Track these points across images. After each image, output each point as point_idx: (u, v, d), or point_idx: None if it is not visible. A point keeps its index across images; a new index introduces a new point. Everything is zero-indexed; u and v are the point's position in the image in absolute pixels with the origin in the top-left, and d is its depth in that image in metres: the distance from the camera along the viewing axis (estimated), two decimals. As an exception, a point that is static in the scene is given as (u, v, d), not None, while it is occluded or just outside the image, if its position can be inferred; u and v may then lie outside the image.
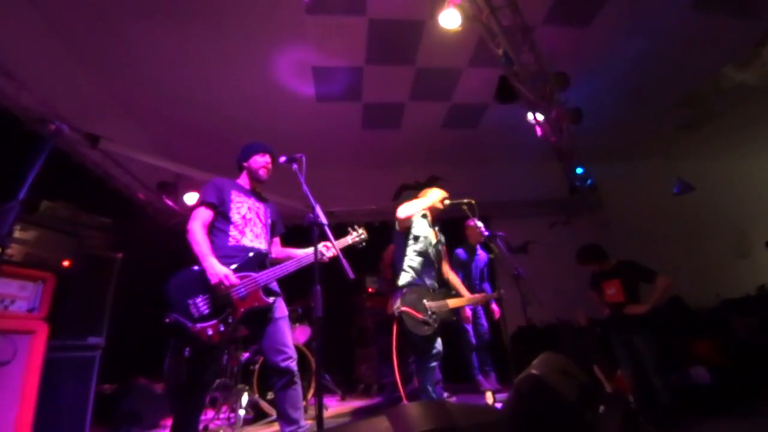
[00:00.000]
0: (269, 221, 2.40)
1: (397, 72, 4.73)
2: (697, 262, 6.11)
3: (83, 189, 4.07)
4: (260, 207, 2.37)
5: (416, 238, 2.94)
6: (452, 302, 2.90)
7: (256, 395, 3.49)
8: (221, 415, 3.59)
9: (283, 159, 2.33)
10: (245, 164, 2.42)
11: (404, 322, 2.68)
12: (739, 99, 5.48)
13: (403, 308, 2.70)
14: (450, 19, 3.51)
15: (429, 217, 3.09)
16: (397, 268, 2.95)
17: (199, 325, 1.89)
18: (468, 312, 3.39)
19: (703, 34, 4.42)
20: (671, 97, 5.52)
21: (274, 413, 3.44)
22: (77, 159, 4.19)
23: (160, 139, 5.34)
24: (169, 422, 3.33)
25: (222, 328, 1.93)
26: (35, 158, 2.05)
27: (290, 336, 2.14)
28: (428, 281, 2.90)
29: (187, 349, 3.30)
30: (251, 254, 2.12)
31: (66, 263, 2.41)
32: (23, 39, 3.51)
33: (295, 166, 2.21)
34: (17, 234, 2.19)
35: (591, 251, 3.42)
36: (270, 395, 3.54)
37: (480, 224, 4.05)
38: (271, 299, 2.08)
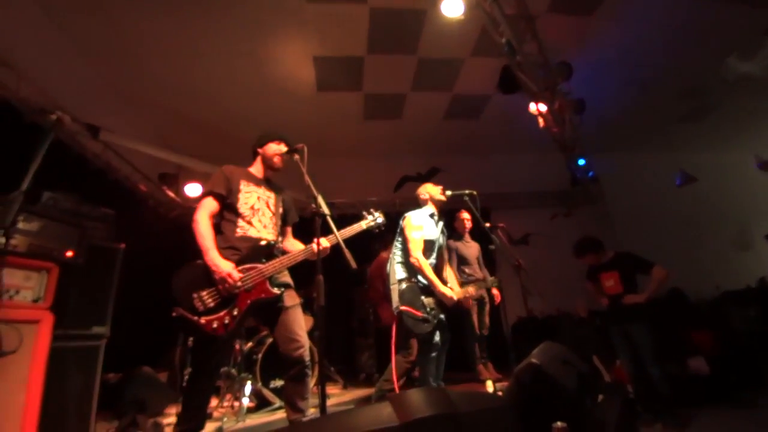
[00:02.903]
0: (281, 210, 2.36)
1: (399, 62, 4.70)
2: (697, 254, 6.12)
3: (84, 180, 4.06)
4: (271, 196, 2.35)
5: (425, 242, 2.89)
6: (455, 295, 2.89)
7: (259, 384, 3.53)
8: (225, 404, 3.64)
9: (281, 145, 2.33)
10: (260, 150, 2.39)
11: (404, 321, 2.68)
12: (742, 90, 5.43)
13: (403, 307, 2.69)
14: (452, 8, 3.47)
15: (436, 214, 3.05)
16: (393, 263, 2.94)
17: (204, 319, 1.90)
18: (470, 300, 3.40)
19: (707, 24, 4.37)
20: (674, 88, 5.48)
21: (277, 401, 3.49)
22: (78, 150, 4.18)
23: (161, 130, 5.33)
24: (173, 410, 3.40)
25: (227, 321, 1.93)
26: (36, 149, 2.05)
27: (303, 324, 2.14)
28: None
29: (191, 339, 3.34)
30: (257, 245, 2.12)
31: (69, 254, 2.42)
32: (22, 29, 3.48)
33: (296, 156, 2.20)
34: (21, 225, 2.19)
35: (587, 244, 3.41)
36: (273, 384, 3.58)
37: (466, 215, 4.18)
38: (278, 290, 2.08)
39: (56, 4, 3.52)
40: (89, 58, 4.15)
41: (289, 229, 2.47)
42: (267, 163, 2.38)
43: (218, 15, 3.82)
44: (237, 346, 3.77)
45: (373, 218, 2.45)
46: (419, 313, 2.69)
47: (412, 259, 2.80)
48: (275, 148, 2.36)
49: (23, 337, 2.06)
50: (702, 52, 4.82)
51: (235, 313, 1.96)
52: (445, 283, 2.95)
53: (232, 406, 3.52)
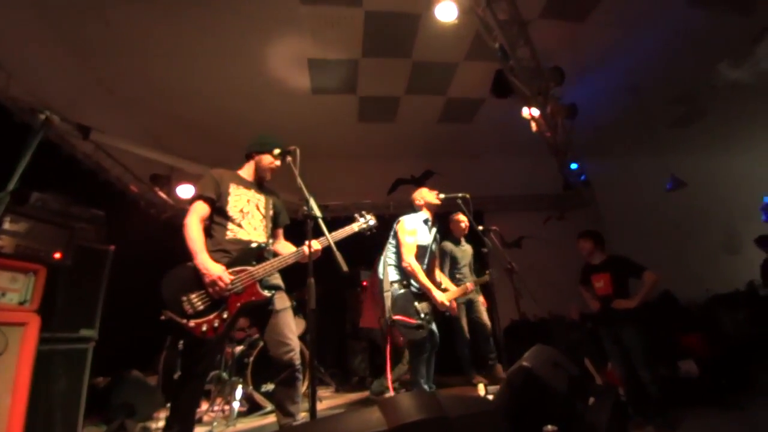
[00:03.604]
0: (271, 212, 2.35)
1: (393, 65, 4.71)
2: (687, 258, 6.19)
3: (74, 181, 4.02)
4: (261, 198, 2.34)
5: (417, 248, 2.90)
6: (446, 297, 2.90)
7: (250, 388, 3.50)
8: (215, 408, 3.60)
9: (276, 152, 2.32)
10: (256, 156, 2.37)
11: (399, 330, 2.68)
12: (731, 96, 5.52)
13: (396, 317, 2.68)
14: (446, 12, 3.49)
15: (430, 220, 3.07)
16: (385, 265, 2.94)
17: (193, 322, 1.87)
18: (454, 304, 3.39)
19: (698, 32, 4.44)
20: (665, 93, 5.55)
21: (268, 406, 3.46)
22: (68, 150, 4.13)
23: (154, 131, 5.29)
24: (162, 414, 3.35)
25: (216, 324, 1.91)
26: (25, 149, 2.03)
27: (293, 327, 2.13)
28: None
29: (181, 341, 3.31)
30: (248, 248, 2.11)
31: (57, 255, 2.38)
32: (12, 29, 3.44)
33: (289, 158, 2.20)
34: (7, 226, 2.16)
35: (592, 231, 3.48)
36: (264, 388, 3.55)
37: (464, 219, 4.15)
38: (268, 293, 2.06)
39: (46, 2, 3.48)
40: (80, 57, 4.10)
41: (280, 232, 2.46)
42: (258, 172, 2.37)
43: (212, 16, 3.81)
44: (229, 350, 3.74)
45: (365, 221, 2.45)
46: (413, 321, 2.69)
47: (404, 264, 2.81)
48: (271, 161, 2.34)
49: (9, 340, 2.02)
50: (692, 59, 4.90)
51: (225, 316, 1.94)
52: (438, 286, 2.95)
53: (223, 411, 3.49)
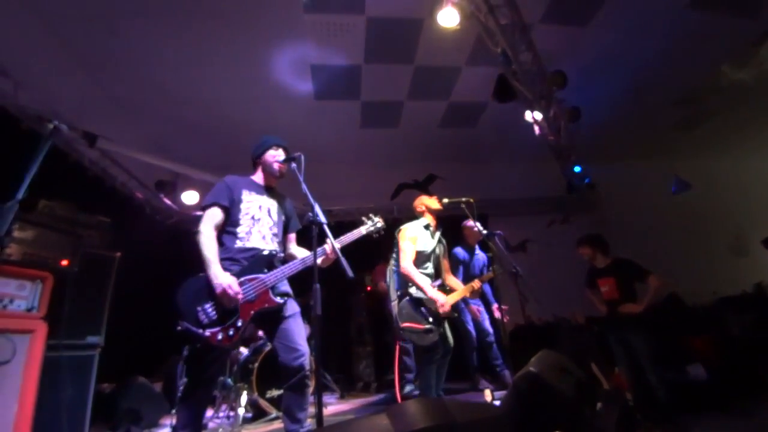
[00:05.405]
0: (283, 218, 2.38)
1: (396, 70, 4.73)
2: (694, 260, 6.14)
3: (81, 188, 4.06)
4: (273, 204, 2.35)
5: (418, 254, 2.94)
6: (449, 299, 2.90)
7: (256, 394, 3.49)
8: (221, 414, 3.59)
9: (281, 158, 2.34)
10: (259, 160, 2.40)
11: (409, 338, 2.69)
12: (736, 98, 5.50)
13: (404, 324, 2.69)
14: (448, 18, 3.51)
15: (432, 226, 3.09)
16: (391, 273, 2.97)
17: (208, 331, 1.90)
18: (474, 307, 3.39)
19: (700, 33, 4.43)
20: (669, 96, 5.54)
21: (273, 412, 3.45)
22: (75, 158, 4.18)
23: (159, 137, 5.33)
24: (168, 421, 3.35)
25: (231, 332, 1.93)
26: (33, 157, 2.05)
27: (303, 333, 2.13)
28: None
29: (188, 347, 3.31)
30: (258, 255, 2.12)
31: (64, 262, 2.40)
32: (20, 38, 3.49)
33: (293, 164, 2.21)
34: (16, 233, 2.19)
35: (592, 236, 3.44)
36: (269, 394, 3.55)
37: (478, 224, 4.09)
38: (280, 299, 2.08)
39: (54, 12, 3.53)
40: (87, 66, 4.15)
41: (293, 237, 2.47)
42: (267, 171, 2.39)
43: (216, 23, 3.84)
44: (234, 356, 3.74)
45: (373, 223, 2.45)
46: (421, 326, 2.69)
47: (401, 269, 2.83)
48: (274, 155, 2.37)
49: (17, 347, 2.04)
50: (695, 62, 4.88)
51: (239, 324, 1.97)
52: (450, 290, 2.96)
53: (228, 417, 3.48)
